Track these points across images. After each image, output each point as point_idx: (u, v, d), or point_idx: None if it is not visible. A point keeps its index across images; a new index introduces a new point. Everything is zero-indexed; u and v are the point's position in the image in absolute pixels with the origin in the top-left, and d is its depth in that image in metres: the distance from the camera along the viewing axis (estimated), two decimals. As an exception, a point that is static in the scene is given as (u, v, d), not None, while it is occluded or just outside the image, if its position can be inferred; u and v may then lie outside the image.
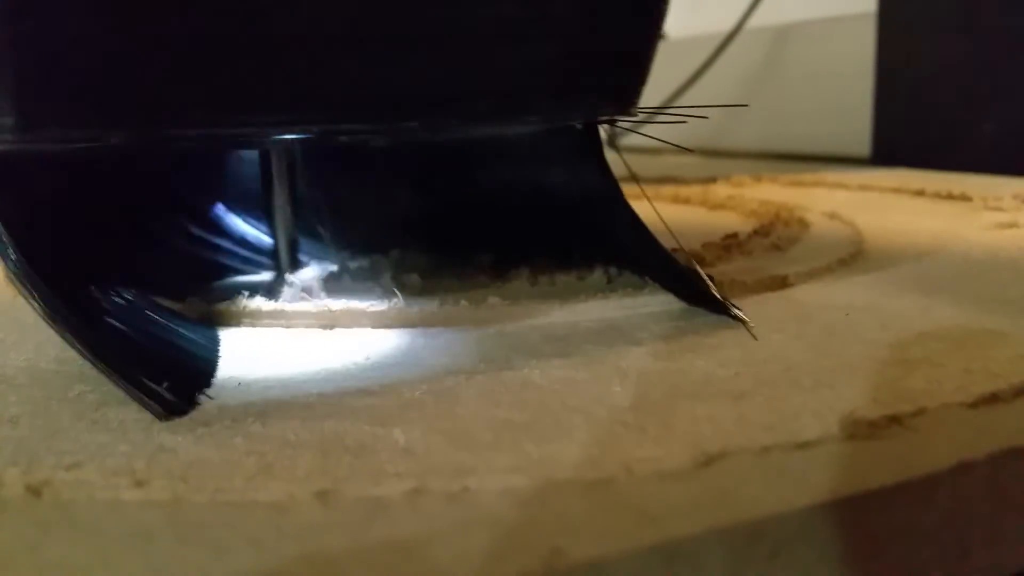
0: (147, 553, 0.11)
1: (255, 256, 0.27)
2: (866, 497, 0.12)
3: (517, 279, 0.24)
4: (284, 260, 0.25)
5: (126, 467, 0.13)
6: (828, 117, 0.66)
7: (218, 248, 0.27)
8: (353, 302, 0.22)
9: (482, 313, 0.21)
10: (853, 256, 0.28)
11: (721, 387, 0.16)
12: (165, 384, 0.16)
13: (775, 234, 0.32)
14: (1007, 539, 0.13)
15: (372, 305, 0.21)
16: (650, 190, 0.48)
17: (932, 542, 0.13)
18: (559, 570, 0.10)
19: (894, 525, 0.12)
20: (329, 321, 0.21)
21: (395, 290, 0.22)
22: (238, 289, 0.22)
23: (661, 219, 0.24)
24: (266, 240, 0.27)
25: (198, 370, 0.18)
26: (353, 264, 0.27)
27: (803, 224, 0.35)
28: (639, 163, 0.26)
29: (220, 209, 0.27)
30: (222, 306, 0.22)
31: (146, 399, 0.15)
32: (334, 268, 0.26)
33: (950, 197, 0.42)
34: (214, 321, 0.21)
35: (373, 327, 0.21)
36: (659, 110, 0.23)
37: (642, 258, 0.23)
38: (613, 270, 0.25)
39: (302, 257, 0.26)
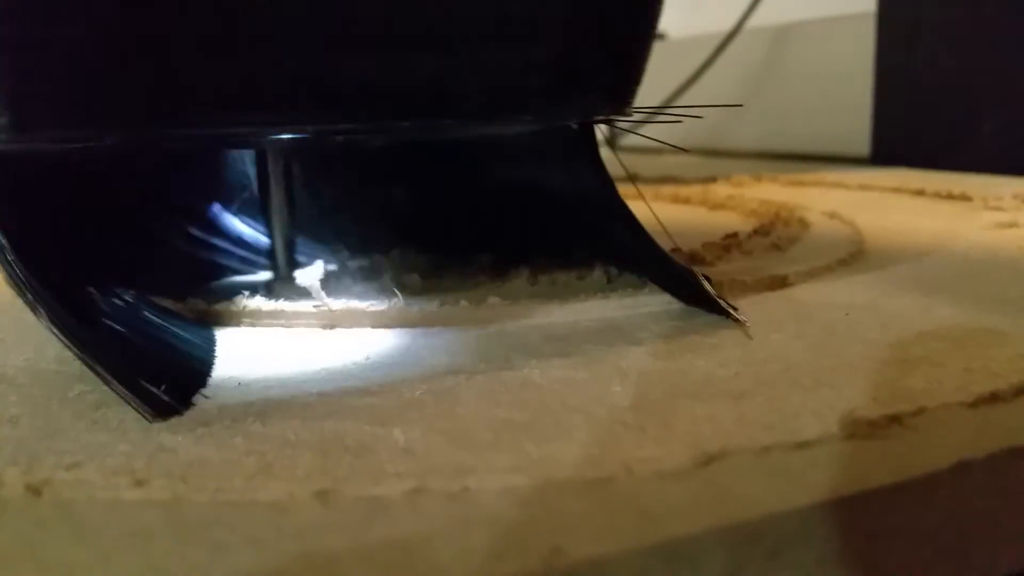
0: (147, 552, 0.11)
1: (253, 256, 0.27)
2: (866, 497, 0.12)
3: (517, 279, 0.24)
4: (281, 260, 0.25)
5: (126, 467, 0.13)
6: (828, 117, 0.66)
7: (216, 248, 0.27)
8: (353, 302, 0.22)
9: (482, 313, 0.21)
10: (853, 256, 0.28)
11: (721, 387, 0.16)
12: (158, 385, 0.16)
13: (775, 234, 0.32)
14: (1007, 539, 0.13)
15: (372, 305, 0.21)
16: (650, 190, 0.48)
17: (932, 542, 0.13)
18: (559, 569, 0.10)
19: (894, 525, 0.12)
20: (329, 321, 0.21)
21: (395, 290, 0.22)
22: (238, 289, 0.22)
23: (657, 219, 0.24)
24: (264, 240, 0.27)
25: (193, 371, 0.18)
26: (353, 264, 0.27)
27: (803, 224, 0.35)
28: (640, 163, 0.26)
29: (217, 209, 0.27)
30: (222, 306, 0.22)
31: (137, 400, 0.15)
32: (333, 267, 0.26)
33: (950, 197, 0.42)
34: (214, 321, 0.21)
35: (373, 327, 0.21)
36: (656, 110, 0.23)
37: (639, 258, 0.23)
38: (613, 270, 0.25)
39: (300, 257, 0.26)
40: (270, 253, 0.27)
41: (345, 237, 0.28)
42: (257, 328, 0.21)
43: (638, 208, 0.23)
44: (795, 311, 0.22)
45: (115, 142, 0.18)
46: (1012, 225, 0.33)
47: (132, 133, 0.18)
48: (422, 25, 0.18)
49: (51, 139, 0.18)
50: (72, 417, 0.15)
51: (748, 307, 0.22)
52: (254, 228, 0.28)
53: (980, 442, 0.13)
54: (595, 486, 0.12)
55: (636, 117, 0.22)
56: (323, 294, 0.22)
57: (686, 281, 0.21)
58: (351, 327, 0.21)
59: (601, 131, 0.23)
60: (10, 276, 0.18)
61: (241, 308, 0.22)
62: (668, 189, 0.48)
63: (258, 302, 0.22)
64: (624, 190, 0.23)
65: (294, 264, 0.26)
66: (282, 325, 0.21)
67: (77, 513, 0.12)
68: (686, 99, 0.73)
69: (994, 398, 0.15)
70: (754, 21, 0.71)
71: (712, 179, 0.52)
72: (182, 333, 0.20)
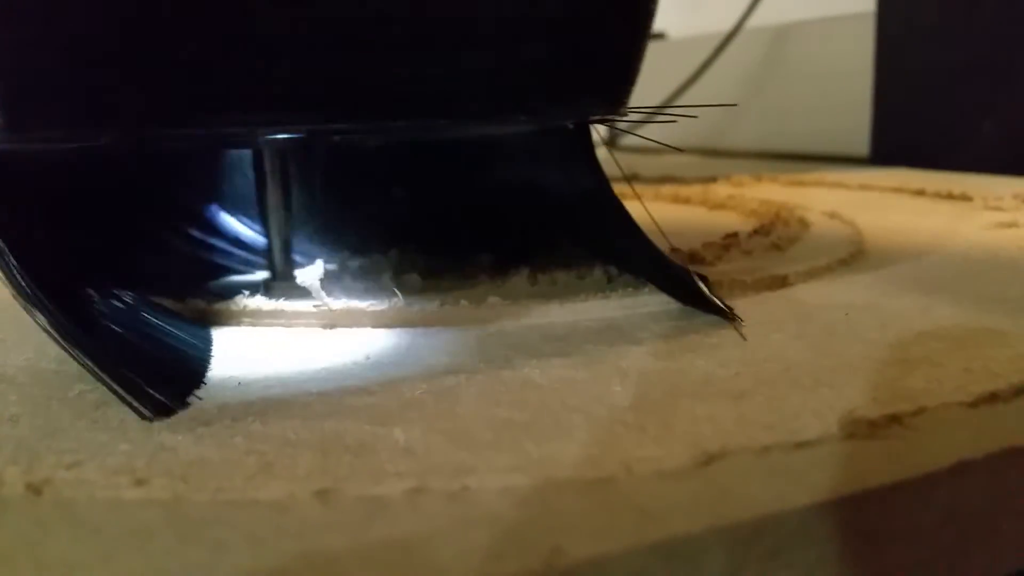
0: (147, 552, 0.11)
1: (252, 256, 0.27)
2: (866, 496, 0.12)
3: (517, 279, 0.24)
4: (279, 260, 0.25)
5: (126, 466, 0.13)
6: (827, 117, 0.66)
7: (215, 249, 0.27)
8: (353, 302, 0.22)
9: (482, 313, 0.21)
10: (853, 256, 0.28)
11: (721, 387, 0.16)
12: (154, 385, 0.16)
13: (775, 234, 0.32)
14: (1007, 539, 0.13)
15: (372, 305, 0.21)
16: (651, 190, 0.48)
17: (932, 542, 0.13)
18: (559, 569, 0.10)
19: (894, 525, 0.12)
20: (329, 321, 0.21)
21: (395, 290, 0.22)
22: (238, 289, 0.22)
23: (653, 220, 0.24)
24: (262, 240, 0.27)
25: (190, 370, 0.18)
26: (353, 264, 0.27)
27: (803, 224, 0.35)
28: (640, 163, 0.26)
29: (215, 210, 0.28)
30: (222, 306, 0.22)
31: (132, 400, 0.15)
32: (333, 267, 0.26)
33: (950, 197, 0.42)
34: (214, 321, 0.21)
35: (373, 327, 0.21)
36: (654, 110, 0.23)
37: (635, 258, 0.23)
38: (613, 269, 0.25)
39: (299, 257, 0.26)
40: (269, 253, 0.27)
41: (344, 237, 0.28)
42: (257, 328, 0.21)
43: (635, 209, 0.23)
44: (795, 311, 0.22)
45: (111, 142, 0.18)
46: (1012, 225, 0.33)
47: (126, 134, 0.18)
48: (417, 26, 0.18)
49: (46, 139, 0.18)
50: (72, 416, 0.15)
51: (748, 307, 0.22)
52: (252, 228, 0.28)
53: (979, 442, 0.13)
54: (595, 486, 0.12)
55: (635, 117, 0.22)
56: (323, 294, 0.22)
57: (682, 281, 0.21)
58: (351, 327, 0.21)
59: (600, 132, 0.23)
60: (7, 278, 0.18)
61: (241, 308, 0.22)
62: (668, 189, 0.48)
63: (258, 302, 0.22)
64: (622, 190, 0.23)
65: (293, 264, 0.26)
66: (282, 325, 0.21)
67: (77, 512, 0.12)
68: (686, 99, 0.73)
69: (994, 398, 0.15)
70: (754, 21, 0.71)
71: (712, 179, 0.52)
72: (179, 333, 0.20)
